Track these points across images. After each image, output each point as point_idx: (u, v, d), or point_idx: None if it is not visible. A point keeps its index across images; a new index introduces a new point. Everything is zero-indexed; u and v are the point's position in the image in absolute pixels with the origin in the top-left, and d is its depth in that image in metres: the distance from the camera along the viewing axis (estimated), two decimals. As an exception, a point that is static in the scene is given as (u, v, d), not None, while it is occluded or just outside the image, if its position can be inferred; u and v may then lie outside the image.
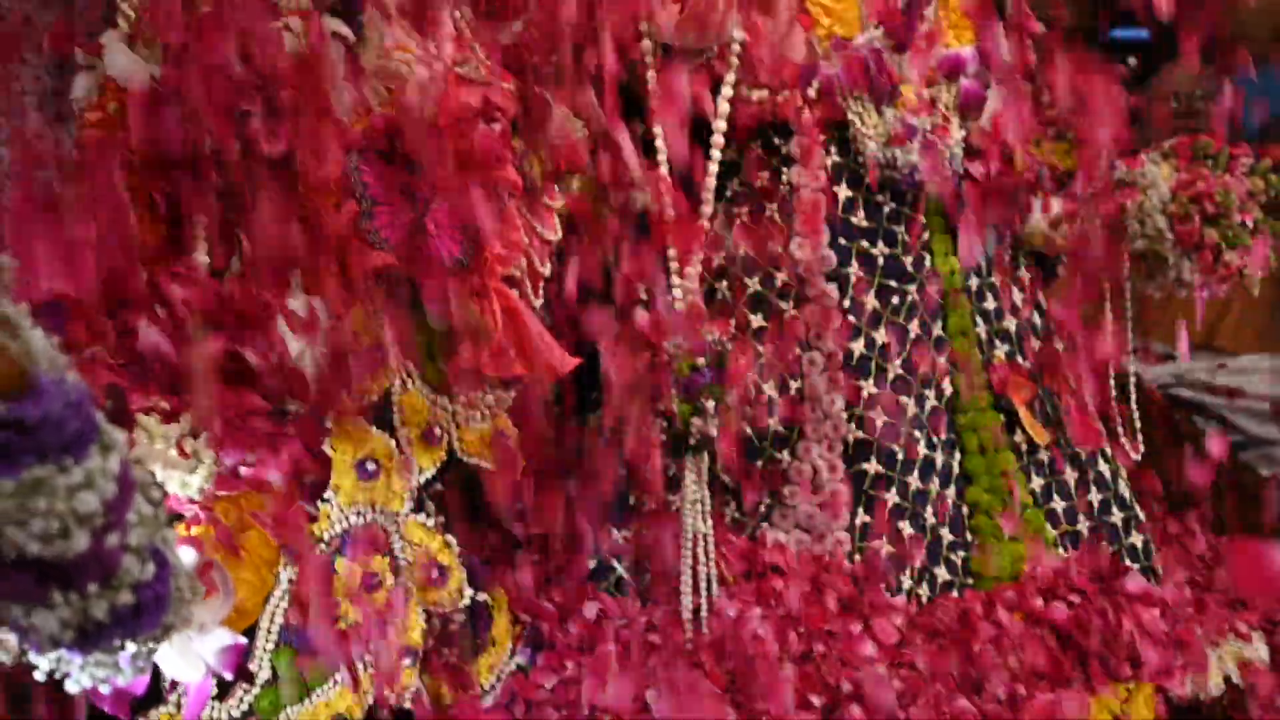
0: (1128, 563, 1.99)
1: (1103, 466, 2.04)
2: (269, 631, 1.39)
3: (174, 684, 1.34)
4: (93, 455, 0.71)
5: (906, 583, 1.85)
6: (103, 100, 1.37)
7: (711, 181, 1.85)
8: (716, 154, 1.84)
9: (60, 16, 1.42)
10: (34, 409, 0.66)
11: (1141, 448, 2.06)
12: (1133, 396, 2.08)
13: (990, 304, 2.01)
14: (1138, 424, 2.11)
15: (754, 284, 1.93)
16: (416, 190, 1.49)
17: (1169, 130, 3.21)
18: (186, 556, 0.98)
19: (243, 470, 1.16)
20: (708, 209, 1.85)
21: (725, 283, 1.93)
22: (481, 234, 1.51)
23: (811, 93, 1.90)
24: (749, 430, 1.86)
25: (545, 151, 1.67)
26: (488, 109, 1.58)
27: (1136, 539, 2.04)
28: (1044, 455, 1.99)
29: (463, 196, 1.50)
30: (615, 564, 1.82)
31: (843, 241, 1.92)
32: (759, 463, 1.87)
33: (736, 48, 1.82)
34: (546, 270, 1.69)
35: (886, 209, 1.94)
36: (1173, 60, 3.52)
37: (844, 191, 1.93)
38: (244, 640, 1.36)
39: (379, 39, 1.52)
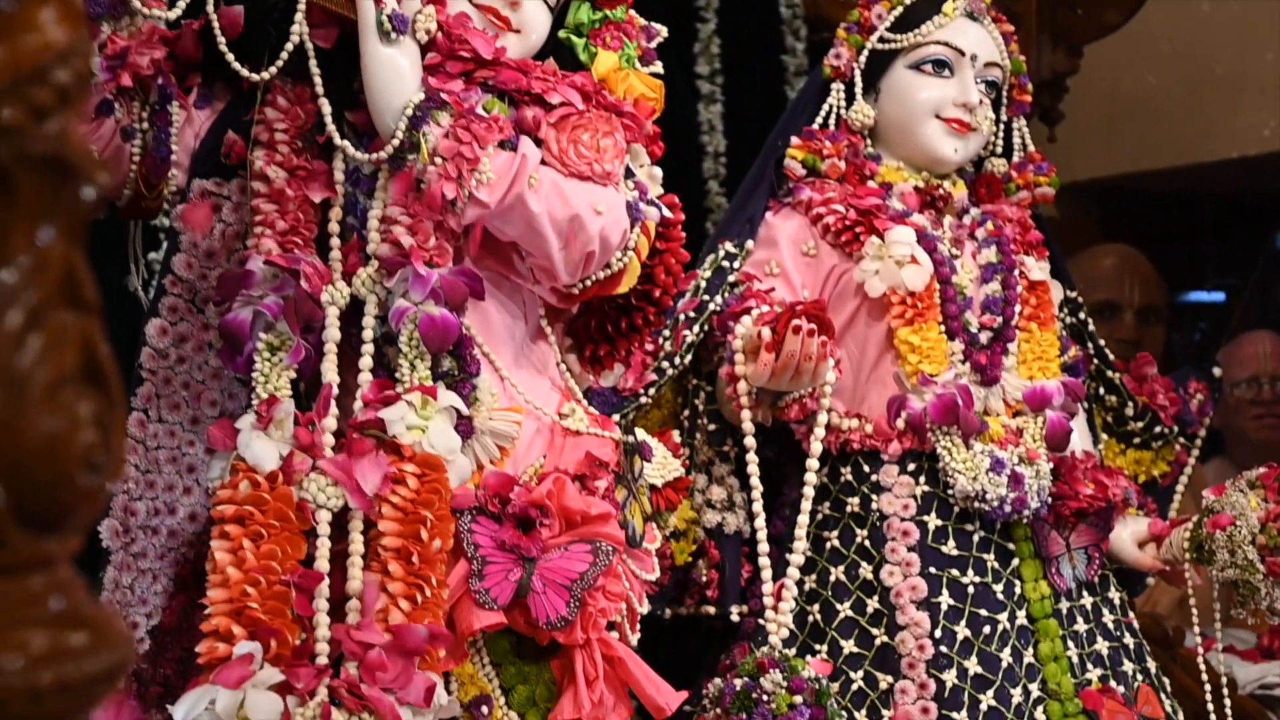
0: None
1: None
2: None
3: None
4: None
5: None
6: (234, 480, 1.45)
7: (805, 516, 1.89)
8: (810, 491, 1.89)
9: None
10: None
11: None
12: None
13: (1081, 627, 2.03)
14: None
15: (845, 609, 1.96)
16: (525, 550, 1.55)
17: (1250, 415, 3.20)
18: None
19: None
20: (802, 543, 1.89)
21: (817, 606, 1.97)
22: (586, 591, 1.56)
23: (900, 424, 1.96)
24: (843, 761, 1.87)
25: (646, 497, 1.73)
26: (592, 467, 1.64)
27: None
28: (1140, 783, 1.98)
29: (570, 557, 1.56)
30: None
31: (933, 570, 1.95)
32: (852, 794, 1.88)
33: (829, 389, 1.89)
34: (645, 609, 1.73)
35: (976, 537, 1.98)
36: (1248, 329, 3.48)
37: (933, 520, 1.97)
38: None
39: (491, 399, 1.60)
